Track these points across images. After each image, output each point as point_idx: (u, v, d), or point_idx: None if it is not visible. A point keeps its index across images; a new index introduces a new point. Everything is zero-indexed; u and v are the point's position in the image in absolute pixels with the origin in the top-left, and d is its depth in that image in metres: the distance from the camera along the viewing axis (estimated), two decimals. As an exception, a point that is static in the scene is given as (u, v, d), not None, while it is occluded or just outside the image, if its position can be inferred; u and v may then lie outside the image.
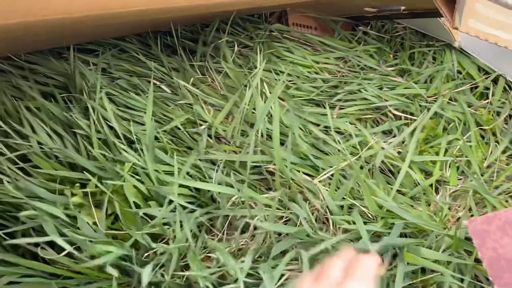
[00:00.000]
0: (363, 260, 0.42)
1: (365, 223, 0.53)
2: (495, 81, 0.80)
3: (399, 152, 0.67)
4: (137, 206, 0.52)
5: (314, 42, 0.84)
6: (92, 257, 0.47)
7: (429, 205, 0.61)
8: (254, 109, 0.63)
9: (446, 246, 0.54)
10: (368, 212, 0.54)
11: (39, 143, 0.58)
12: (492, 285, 0.45)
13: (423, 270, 0.52)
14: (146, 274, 0.44)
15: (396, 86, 0.77)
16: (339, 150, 0.62)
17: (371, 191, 0.55)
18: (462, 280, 0.50)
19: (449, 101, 0.76)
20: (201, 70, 0.74)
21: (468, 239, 0.55)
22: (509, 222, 0.47)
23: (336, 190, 0.55)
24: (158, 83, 0.71)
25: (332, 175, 0.56)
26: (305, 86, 0.74)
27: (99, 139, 0.60)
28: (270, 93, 0.64)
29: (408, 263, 0.48)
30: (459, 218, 0.61)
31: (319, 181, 0.56)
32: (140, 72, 0.72)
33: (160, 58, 0.74)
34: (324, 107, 0.72)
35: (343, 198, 0.54)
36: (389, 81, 0.78)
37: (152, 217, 0.51)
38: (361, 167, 0.59)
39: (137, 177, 0.54)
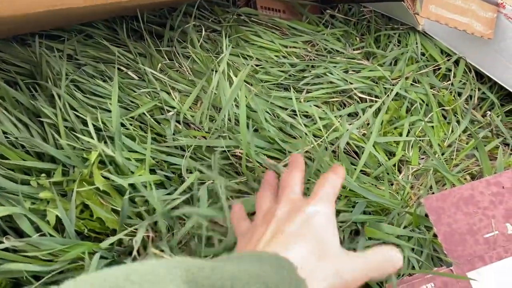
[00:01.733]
0: (328, 177, 0.45)
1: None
2: (456, 63, 0.83)
3: (364, 134, 0.69)
4: (107, 194, 0.52)
5: (282, 26, 0.85)
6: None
7: (392, 184, 0.64)
8: (224, 93, 0.64)
9: (407, 223, 0.57)
10: (333, 193, 0.56)
11: (4, 132, 0.58)
12: (446, 257, 0.48)
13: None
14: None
15: (362, 69, 0.79)
16: (306, 134, 0.64)
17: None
18: (421, 253, 0.53)
19: (413, 83, 0.78)
20: (168, 56, 0.74)
21: (428, 215, 0.58)
22: (463, 199, 0.50)
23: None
24: (124, 69, 0.70)
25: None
26: (273, 70, 0.75)
27: (66, 127, 0.59)
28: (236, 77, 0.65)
29: (369, 238, 0.51)
30: (420, 196, 0.64)
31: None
32: (107, 58, 0.72)
33: (126, 44, 0.74)
34: (288, 91, 0.73)
35: (308, 180, 0.55)
36: (355, 64, 0.80)
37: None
38: (326, 149, 0.60)
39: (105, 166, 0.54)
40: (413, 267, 0.51)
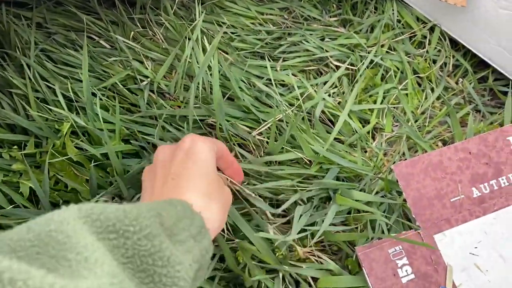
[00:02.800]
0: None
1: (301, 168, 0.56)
2: (431, 30, 0.83)
3: (339, 103, 0.69)
4: (80, 165, 0.52)
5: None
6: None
7: (366, 151, 0.65)
8: (198, 62, 0.63)
9: (379, 189, 0.58)
10: (306, 159, 0.57)
11: (-28, 104, 0.57)
12: (415, 221, 0.50)
13: (358, 212, 0.56)
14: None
15: (338, 37, 0.78)
16: (281, 102, 0.64)
17: (309, 138, 0.58)
18: (390, 218, 0.55)
19: (388, 51, 0.79)
20: (141, 23, 0.73)
21: (398, 181, 0.60)
22: (431, 165, 0.51)
23: (276, 141, 0.57)
24: (96, 38, 0.69)
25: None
26: (249, 38, 0.74)
27: (37, 98, 0.58)
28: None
29: (340, 205, 0.52)
30: (394, 162, 0.65)
31: (260, 133, 0.58)
32: (78, 27, 0.70)
33: (97, 11, 0.72)
34: (268, 60, 0.73)
35: (282, 148, 0.56)
36: (331, 32, 0.80)
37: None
38: (302, 118, 0.61)
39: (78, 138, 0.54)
40: (383, 232, 0.53)
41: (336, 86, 0.73)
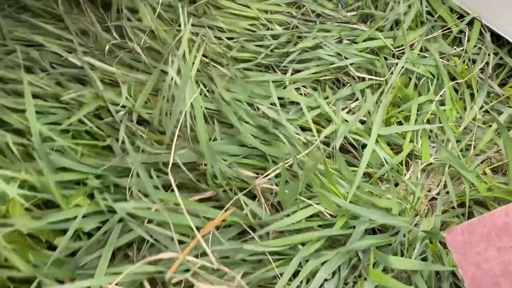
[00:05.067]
0: None
1: (322, 225, 0.44)
2: (469, 24, 0.69)
3: (363, 123, 0.56)
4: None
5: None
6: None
7: (397, 185, 0.53)
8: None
9: (420, 239, 0.46)
10: (326, 212, 0.45)
11: None
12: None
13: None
14: None
15: (358, 36, 0.65)
16: (290, 137, 0.51)
17: (329, 184, 0.45)
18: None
19: (419, 52, 0.65)
20: (118, 31, 0.59)
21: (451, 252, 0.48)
22: (496, 229, 0.38)
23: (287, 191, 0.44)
24: (65, 53, 0.56)
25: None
26: (250, 46, 0.61)
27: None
28: (205, 57, 0.51)
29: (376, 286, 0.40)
30: (431, 198, 0.53)
31: (268, 179, 0.45)
32: (42, 43, 0.57)
33: (62, 18, 0.59)
34: (274, 71, 0.60)
35: (295, 200, 0.44)
36: (349, 30, 0.66)
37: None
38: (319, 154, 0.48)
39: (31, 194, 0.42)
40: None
41: (357, 99, 0.60)
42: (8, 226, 0.39)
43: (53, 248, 0.42)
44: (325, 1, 0.70)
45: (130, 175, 0.45)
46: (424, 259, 0.45)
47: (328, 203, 0.43)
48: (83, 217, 0.41)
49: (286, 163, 0.44)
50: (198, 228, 0.39)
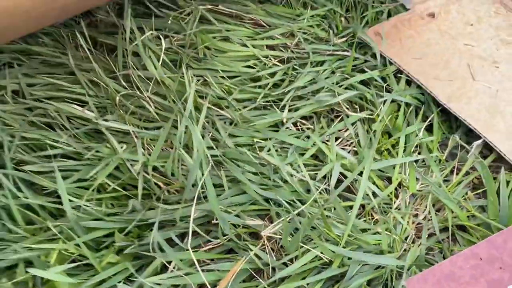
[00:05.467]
0: None
1: (320, 266, 0.51)
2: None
3: (355, 153, 0.62)
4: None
5: (255, 14, 0.73)
6: None
7: (386, 213, 0.59)
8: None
9: (405, 271, 0.53)
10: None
11: None
12: None
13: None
14: None
15: (346, 67, 0.69)
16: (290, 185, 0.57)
17: (326, 229, 0.52)
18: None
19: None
20: (126, 77, 0.64)
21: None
22: (444, 277, 0.46)
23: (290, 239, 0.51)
24: (79, 108, 0.61)
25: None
26: (248, 88, 0.65)
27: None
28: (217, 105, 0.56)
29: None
30: (418, 224, 0.59)
31: (272, 227, 0.52)
32: (58, 96, 0.62)
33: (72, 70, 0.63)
34: (268, 109, 0.65)
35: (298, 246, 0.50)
36: (342, 57, 0.70)
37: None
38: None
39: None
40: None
41: (349, 132, 0.65)
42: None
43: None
44: (318, 29, 0.73)
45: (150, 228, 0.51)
46: None
47: (325, 249, 0.49)
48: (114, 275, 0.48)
49: (287, 218, 0.50)
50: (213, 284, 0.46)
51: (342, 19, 0.76)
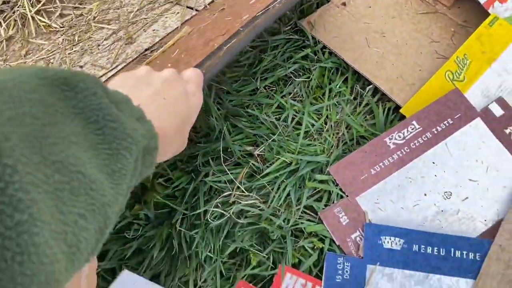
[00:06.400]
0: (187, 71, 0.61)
1: (285, 165, 0.99)
2: None
3: (300, 101, 1.08)
4: None
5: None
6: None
7: (321, 134, 1.07)
8: None
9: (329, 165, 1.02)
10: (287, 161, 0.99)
11: None
12: (344, 192, 0.95)
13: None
14: None
15: (295, 46, 1.12)
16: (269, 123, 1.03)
17: (287, 146, 0.99)
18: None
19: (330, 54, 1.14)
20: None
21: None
22: (350, 163, 0.94)
23: (269, 152, 0.99)
24: None
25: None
26: (234, 68, 1.09)
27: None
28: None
29: (310, 188, 0.96)
30: (338, 138, 1.07)
31: (257, 146, 0.99)
32: None
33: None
34: (248, 81, 1.09)
35: (274, 158, 0.98)
36: (289, 40, 1.14)
37: None
38: (287, 134, 1.01)
39: None
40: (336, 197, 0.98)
41: (296, 89, 1.10)
42: None
43: None
44: (274, 24, 1.15)
45: None
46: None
47: (287, 157, 0.97)
48: None
49: (267, 143, 0.98)
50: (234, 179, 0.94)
51: (288, 12, 1.18)
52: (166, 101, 0.45)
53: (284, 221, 0.92)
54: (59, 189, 0.25)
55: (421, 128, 0.99)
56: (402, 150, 0.98)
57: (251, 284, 0.88)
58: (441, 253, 0.90)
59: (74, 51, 1.04)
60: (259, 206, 0.91)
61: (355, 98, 1.11)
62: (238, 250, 0.93)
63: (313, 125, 1.06)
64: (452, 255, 0.90)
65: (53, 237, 0.23)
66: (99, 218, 0.27)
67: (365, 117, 1.09)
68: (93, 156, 0.29)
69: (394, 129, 1.00)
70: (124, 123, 0.32)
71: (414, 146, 0.98)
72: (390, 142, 0.99)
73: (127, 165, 0.31)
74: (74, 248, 0.25)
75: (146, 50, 0.99)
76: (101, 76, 1.01)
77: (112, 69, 1.02)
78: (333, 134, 1.07)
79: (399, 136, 0.99)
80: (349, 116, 1.07)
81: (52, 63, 1.04)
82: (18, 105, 0.25)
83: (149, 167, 0.38)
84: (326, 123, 1.08)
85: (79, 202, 0.26)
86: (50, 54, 1.05)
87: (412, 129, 1.00)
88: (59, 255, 0.24)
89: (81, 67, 1.04)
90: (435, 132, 0.99)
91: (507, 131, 0.99)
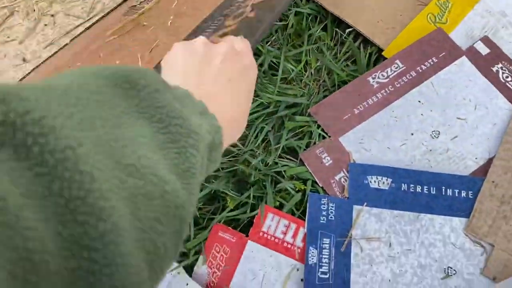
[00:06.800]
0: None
1: (264, 106, 0.93)
2: None
3: (279, 48, 1.02)
4: None
5: None
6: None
7: (302, 80, 1.01)
8: None
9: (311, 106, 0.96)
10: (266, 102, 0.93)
11: None
12: (327, 133, 0.89)
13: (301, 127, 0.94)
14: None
15: None
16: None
17: (265, 88, 0.93)
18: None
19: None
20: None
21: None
22: (329, 103, 0.88)
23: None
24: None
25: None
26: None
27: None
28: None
29: (290, 128, 0.90)
30: (318, 83, 1.02)
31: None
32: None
33: None
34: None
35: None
36: None
37: None
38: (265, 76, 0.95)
39: None
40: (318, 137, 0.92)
41: (274, 36, 1.05)
42: None
43: None
44: None
45: None
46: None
47: (266, 98, 0.91)
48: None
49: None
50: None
51: None
52: (231, 83, 0.46)
53: (262, 162, 0.85)
54: (134, 194, 0.24)
55: (404, 67, 0.94)
56: (386, 89, 0.92)
57: (229, 228, 0.80)
58: (432, 192, 0.84)
59: (41, -3, 0.97)
60: (235, 146, 0.84)
61: (335, 45, 1.06)
62: (213, 194, 0.85)
63: (292, 70, 1.00)
64: (443, 193, 0.84)
65: (134, 246, 0.23)
66: (174, 222, 0.26)
67: (347, 63, 1.04)
68: (162, 156, 0.28)
69: (377, 68, 0.95)
70: (188, 119, 0.31)
71: (398, 85, 0.93)
72: (373, 82, 0.93)
73: (195, 163, 0.30)
74: (153, 255, 0.24)
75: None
76: (78, 26, 0.93)
77: (89, 19, 0.95)
78: (314, 80, 1.01)
79: (383, 75, 0.94)
80: (330, 61, 1.01)
81: (17, 12, 0.96)
82: (86, 107, 0.25)
83: (214, 162, 0.37)
84: (306, 70, 1.03)
85: (154, 206, 0.25)
86: (14, 2, 0.97)
87: (396, 68, 0.94)
88: (142, 265, 0.23)
89: (52, 15, 0.96)
90: (420, 70, 0.94)
91: (494, 69, 0.94)
